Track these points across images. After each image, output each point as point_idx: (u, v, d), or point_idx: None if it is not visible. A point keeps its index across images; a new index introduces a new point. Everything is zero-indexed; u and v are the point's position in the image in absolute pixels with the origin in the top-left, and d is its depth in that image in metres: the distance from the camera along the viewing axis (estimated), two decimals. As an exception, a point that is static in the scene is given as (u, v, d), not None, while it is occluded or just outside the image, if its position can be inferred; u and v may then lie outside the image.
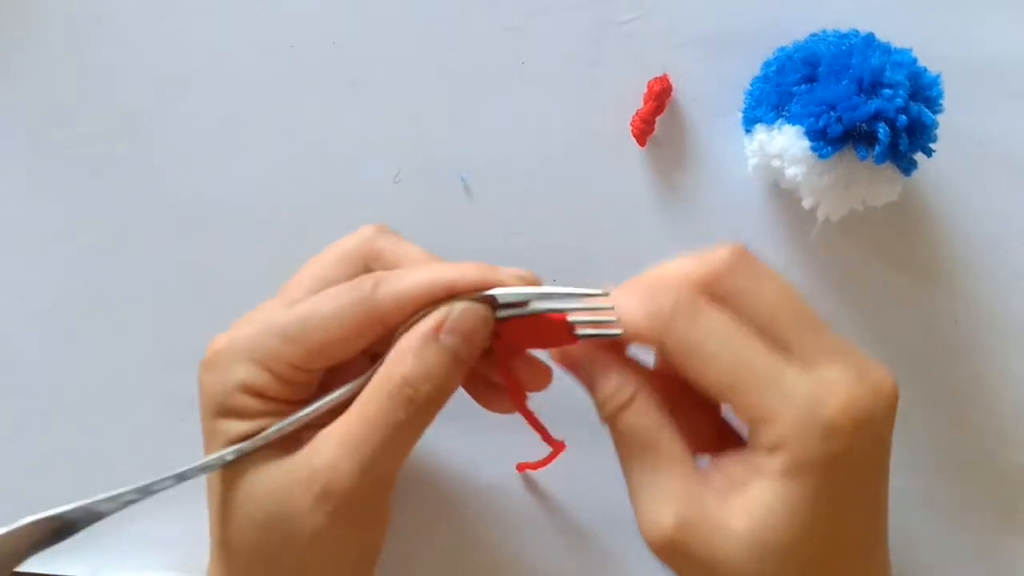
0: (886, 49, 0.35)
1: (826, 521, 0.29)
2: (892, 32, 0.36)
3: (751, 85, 0.38)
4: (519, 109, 0.41)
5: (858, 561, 0.31)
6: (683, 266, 0.31)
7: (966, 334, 0.40)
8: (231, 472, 0.32)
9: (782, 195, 0.40)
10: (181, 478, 0.31)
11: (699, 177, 0.40)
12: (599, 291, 0.31)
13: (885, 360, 0.40)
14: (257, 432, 0.31)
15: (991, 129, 0.39)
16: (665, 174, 0.40)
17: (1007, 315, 0.40)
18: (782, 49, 0.38)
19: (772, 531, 0.28)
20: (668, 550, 0.29)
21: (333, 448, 0.30)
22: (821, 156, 0.35)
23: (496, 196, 0.41)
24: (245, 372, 0.31)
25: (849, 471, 0.29)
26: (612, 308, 0.30)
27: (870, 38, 0.36)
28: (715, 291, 0.30)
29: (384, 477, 0.31)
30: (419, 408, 0.30)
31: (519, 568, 0.42)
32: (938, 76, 0.36)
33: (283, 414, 0.32)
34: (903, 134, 0.34)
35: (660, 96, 0.39)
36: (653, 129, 0.40)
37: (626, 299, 0.30)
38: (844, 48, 0.35)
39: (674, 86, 0.40)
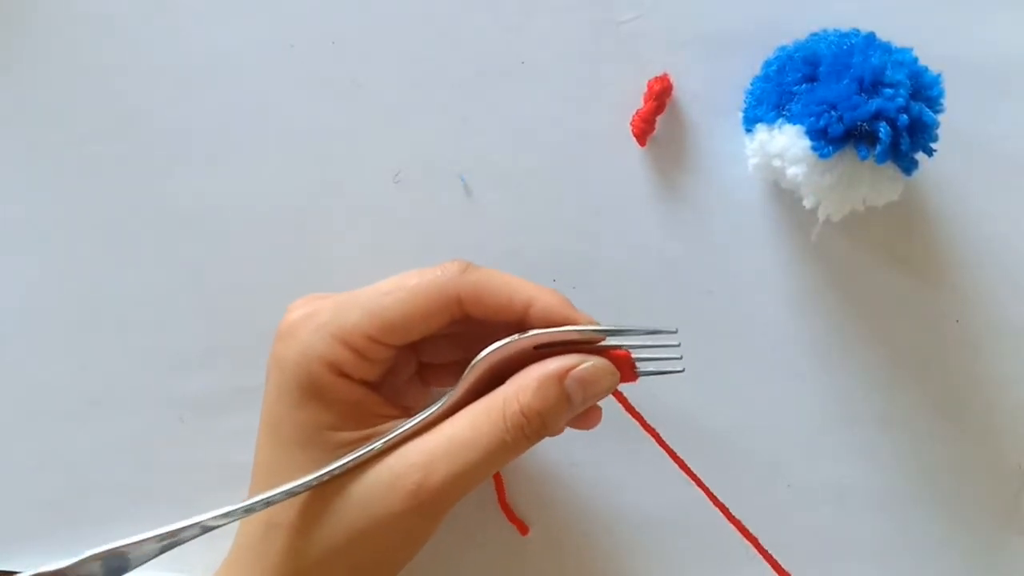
0: (887, 48, 0.35)
1: None
2: (893, 31, 0.36)
3: (752, 84, 0.38)
4: (519, 109, 0.41)
5: None
6: None
7: (966, 334, 0.40)
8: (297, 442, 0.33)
9: (783, 195, 0.40)
10: (252, 510, 0.32)
11: (699, 177, 0.40)
12: (668, 328, 0.32)
13: (885, 360, 0.41)
14: (338, 426, 0.32)
15: (992, 129, 0.39)
16: (665, 174, 0.40)
17: (1007, 315, 0.40)
18: (783, 48, 0.38)
19: None
20: None
21: (433, 448, 0.31)
22: (822, 156, 0.35)
23: (496, 196, 0.41)
24: (326, 347, 0.32)
25: None
26: (678, 345, 0.32)
27: (871, 37, 0.36)
28: None
29: (468, 487, 0.32)
30: (525, 437, 0.32)
31: (519, 568, 0.42)
32: (939, 76, 0.36)
33: (358, 401, 0.33)
34: (904, 134, 0.34)
35: (660, 96, 0.39)
36: (653, 129, 0.40)
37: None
38: (845, 47, 0.35)
39: (674, 85, 0.40)
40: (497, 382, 0.32)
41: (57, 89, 0.42)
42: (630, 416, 0.36)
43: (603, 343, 0.32)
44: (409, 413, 0.33)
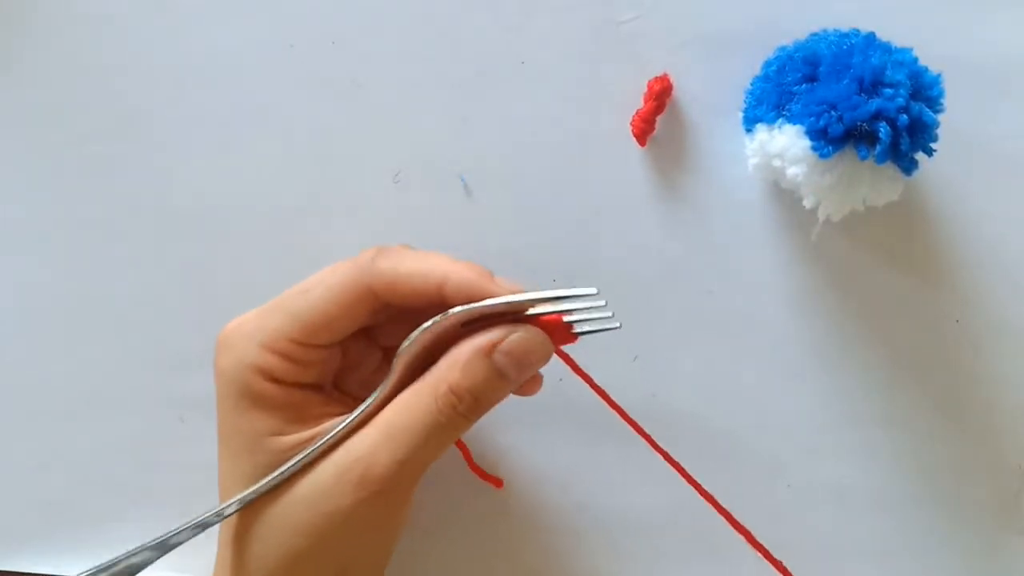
0: (887, 48, 0.35)
1: None
2: (893, 31, 0.36)
3: (752, 84, 0.38)
4: (519, 109, 0.41)
5: None
6: None
7: (966, 334, 0.40)
8: (245, 447, 0.33)
9: (783, 195, 0.40)
10: (217, 516, 0.33)
11: (699, 177, 0.40)
12: (589, 290, 0.31)
13: (885, 360, 0.41)
14: (280, 431, 0.32)
15: (992, 129, 0.39)
16: (665, 174, 0.40)
17: (1007, 315, 0.40)
18: (783, 48, 0.38)
19: None
20: None
21: (373, 438, 0.31)
22: (822, 156, 0.35)
23: (496, 196, 0.41)
24: (255, 355, 0.32)
25: None
26: (604, 304, 0.31)
27: (871, 37, 0.36)
28: None
29: (415, 471, 0.32)
30: (460, 415, 0.32)
31: (521, 567, 0.42)
32: (939, 75, 0.36)
33: (298, 404, 0.33)
34: (904, 134, 0.34)
35: (660, 96, 0.39)
36: (653, 129, 0.40)
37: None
38: (845, 47, 0.35)
39: (674, 85, 0.40)
40: (432, 363, 0.32)
41: (57, 89, 0.42)
42: (605, 402, 0.37)
43: (532, 311, 0.32)
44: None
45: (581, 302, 0.32)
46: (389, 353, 0.37)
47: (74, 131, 0.42)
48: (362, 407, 0.32)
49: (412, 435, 0.31)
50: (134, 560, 0.33)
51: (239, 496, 0.32)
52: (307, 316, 0.32)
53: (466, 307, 0.31)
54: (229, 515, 0.33)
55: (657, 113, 0.40)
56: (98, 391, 0.42)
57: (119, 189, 0.42)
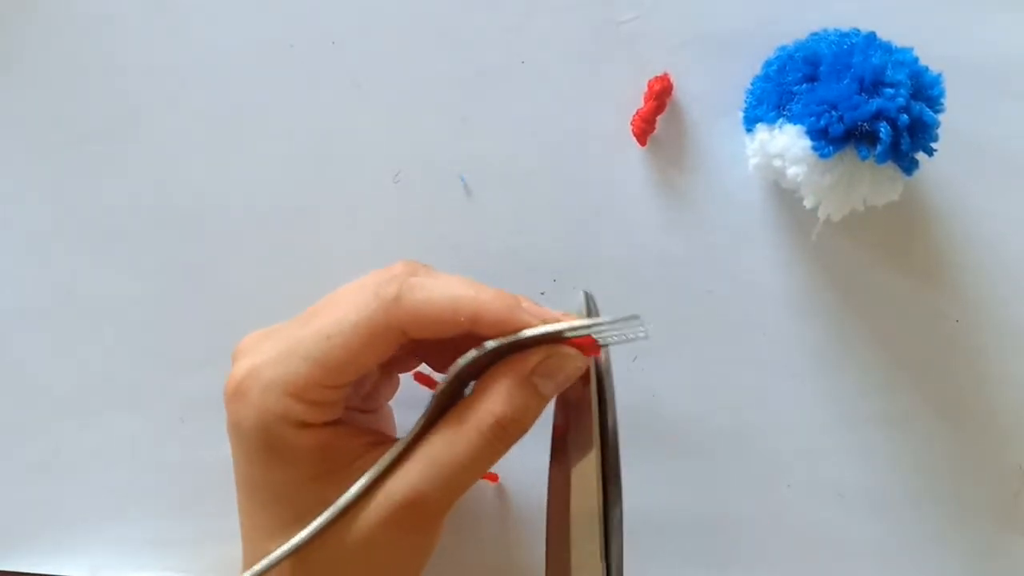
0: (887, 48, 0.35)
1: None
2: (893, 31, 0.36)
3: (752, 84, 0.38)
4: (519, 109, 0.41)
5: None
6: None
7: (966, 334, 0.40)
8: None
9: (783, 195, 0.40)
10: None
11: (700, 177, 0.40)
12: (629, 317, 0.31)
13: (885, 360, 0.40)
14: (315, 475, 0.32)
15: (993, 129, 0.39)
16: (665, 174, 0.40)
17: (1007, 315, 0.40)
18: (783, 48, 0.38)
19: None
20: None
21: (418, 476, 0.31)
22: (822, 155, 0.35)
23: (496, 196, 0.41)
24: (279, 405, 0.31)
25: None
26: (643, 329, 0.31)
27: (871, 37, 0.36)
28: None
29: (456, 499, 0.32)
30: (504, 443, 0.31)
31: (521, 566, 0.42)
32: (940, 75, 0.36)
33: (327, 443, 0.32)
34: (905, 133, 0.34)
35: (661, 95, 0.39)
36: (654, 128, 0.40)
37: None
38: (845, 47, 0.35)
39: (675, 85, 0.40)
40: (458, 387, 0.32)
41: (57, 89, 0.42)
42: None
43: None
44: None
45: (616, 327, 0.31)
46: (388, 366, 0.36)
47: (74, 131, 0.42)
48: (401, 443, 0.32)
49: (458, 470, 0.31)
50: None
51: (285, 548, 0.31)
52: (334, 360, 0.31)
53: (503, 340, 0.31)
54: (275, 563, 0.31)
55: (657, 113, 0.40)
56: (98, 391, 0.42)
57: (119, 189, 0.42)
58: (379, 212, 0.41)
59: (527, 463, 0.41)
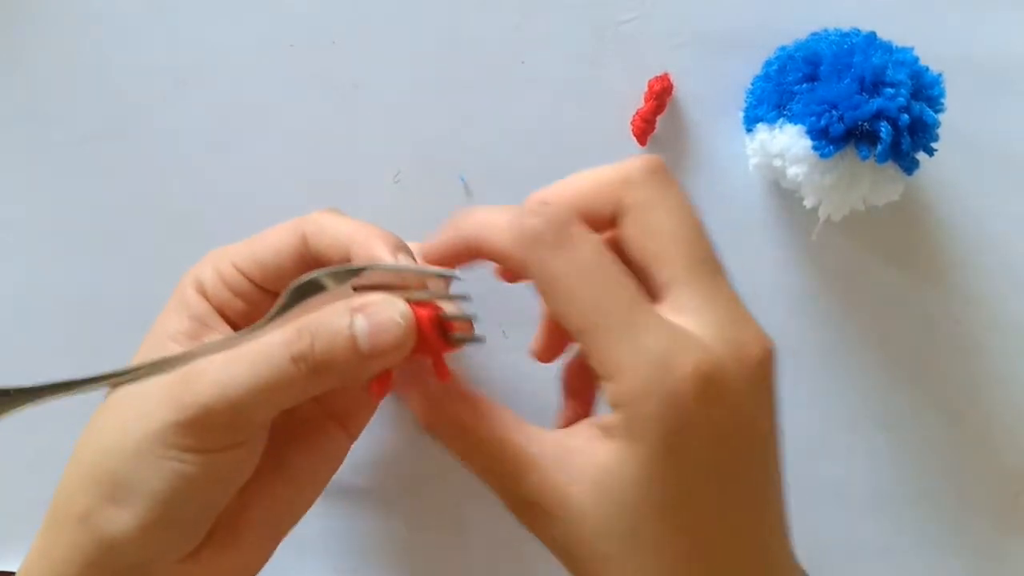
0: (888, 48, 0.35)
1: (675, 495, 0.26)
2: (894, 31, 0.36)
3: (752, 84, 0.38)
4: (519, 109, 0.41)
5: (728, 547, 0.27)
6: (586, 178, 0.30)
7: (966, 334, 0.40)
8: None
9: (783, 194, 0.40)
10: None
11: (700, 176, 0.40)
12: (451, 271, 0.30)
13: (885, 360, 0.40)
14: (177, 339, 0.32)
15: (993, 129, 0.39)
16: (666, 174, 0.40)
17: (1007, 315, 0.40)
18: (783, 48, 0.38)
19: (609, 502, 0.26)
20: (531, 526, 0.28)
21: (210, 363, 0.30)
22: (823, 155, 0.35)
23: (496, 196, 0.41)
24: (199, 270, 0.33)
25: (699, 441, 0.26)
26: (462, 280, 0.30)
27: (872, 37, 0.36)
28: (620, 202, 0.28)
29: (243, 407, 0.29)
30: (297, 361, 0.29)
31: (524, 566, 0.42)
32: (940, 75, 0.36)
33: (204, 317, 0.33)
34: (905, 133, 0.34)
35: (661, 95, 0.39)
36: (654, 128, 0.40)
37: (498, 216, 0.29)
38: (846, 47, 0.35)
39: (675, 85, 0.40)
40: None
41: (57, 89, 0.42)
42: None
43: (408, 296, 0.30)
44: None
45: (438, 283, 0.30)
46: None
47: (74, 131, 0.42)
48: (227, 338, 0.31)
49: (245, 364, 0.29)
50: None
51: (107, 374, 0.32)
52: (253, 245, 0.33)
53: (348, 266, 0.30)
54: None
55: (657, 113, 0.40)
56: (98, 391, 0.42)
57: (119, 189, 0.42)
58: (379, 212, 0.41)
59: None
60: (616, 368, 0.26)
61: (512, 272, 0.31)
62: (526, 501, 0.28)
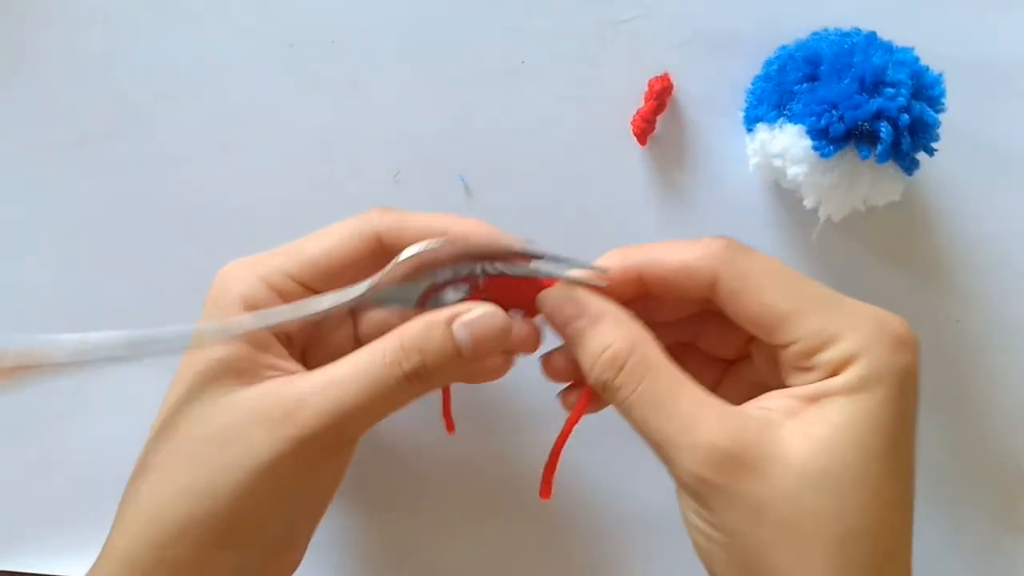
0: (888, 48, 0.35)
1: (891, 443, 0.28)
2: (894, 31, 0.36)
3: (752, 84, 0.38)
4: (519, 109, 0.41)
5: (906, 498, 0.30)
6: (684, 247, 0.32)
7: (966, 334, 0.40)
8: (182, 396, 0.31)
9: (783, 194, 0.40)
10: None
11: (700, 176, 0.40)
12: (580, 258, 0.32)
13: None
14: (234, 364, 0.31)
15: (993, 129, 0.39)
16: (666, 173, 0.40)
17: (1007, 315, 0.40)
18: (784, 48, 0.38)
19: (835, 456, 0.28)
20: (717, 476, 0.28)
21: (308, 384, 0.30)
22: (823, 155, 0.35)
23: (496, 196, 0.41)
24: (245, 286, 0.32)
25: (914, 386, 0.29)
26: (606, 271, 0.31)
27: (872, 37, 0.36)
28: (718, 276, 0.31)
29: (347, 426, 0.30)
30: (404, 377, 0.30)
31: (525, 566, 0.42)
32: (940, 75, 0.36)
33: (262, 346, 0.32)
34: (905, 133, 0.34)
35: (661, 95, 0.39)
36: (654, 128, 0.40)
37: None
38: (846, 47, 0.35)
39: (675, 85, 0.40)
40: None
41: (57, 89, 0.42)
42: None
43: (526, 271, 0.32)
44: None
45: (564, 265, 0.32)
46: (361, 343, 0.35)
47: (74, 131, 0.42)
48: (356, 290, 0.31)
49: (350, 386, 0.30)
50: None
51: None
52: (308, 253, 0.32)
53: (440, 241, 0.31)
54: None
55: (658, 112, 0.40)
56: (98, 391, 0.42)
57: (119, 188, 0.42)
58: (379, 212, 0.41)
59: (530, 460, 0.41)
60: (838, 332, 0.29)
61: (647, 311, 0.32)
62: (726, 455, 0.28)
